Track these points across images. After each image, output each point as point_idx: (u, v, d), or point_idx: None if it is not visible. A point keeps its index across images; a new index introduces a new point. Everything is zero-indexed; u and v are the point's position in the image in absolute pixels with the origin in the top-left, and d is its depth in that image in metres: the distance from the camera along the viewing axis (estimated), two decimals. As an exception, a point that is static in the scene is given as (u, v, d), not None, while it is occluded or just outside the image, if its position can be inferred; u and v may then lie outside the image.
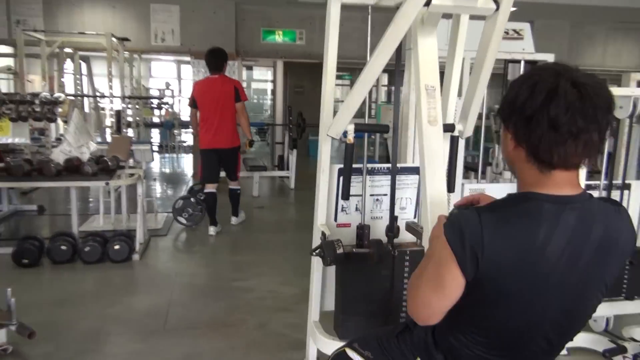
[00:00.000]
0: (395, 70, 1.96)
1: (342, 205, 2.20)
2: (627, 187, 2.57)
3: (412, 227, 1.94)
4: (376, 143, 8.06)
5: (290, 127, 7.26)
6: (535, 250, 1.01)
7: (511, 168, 1.15)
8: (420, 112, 1.68)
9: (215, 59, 4.60)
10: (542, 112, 0.97)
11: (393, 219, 2.06)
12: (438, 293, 1.08)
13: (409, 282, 1.20)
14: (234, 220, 5.07)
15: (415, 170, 2.24)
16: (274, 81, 10.13)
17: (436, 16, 1.64)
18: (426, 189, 1.66)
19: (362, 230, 2.05)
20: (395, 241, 2.06)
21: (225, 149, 4.66)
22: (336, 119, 1.83)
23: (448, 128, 1.88)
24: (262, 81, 13.83)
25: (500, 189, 2.63)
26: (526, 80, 1.03)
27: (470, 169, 4.39)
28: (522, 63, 2.73)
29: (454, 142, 1.95)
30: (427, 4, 1.48)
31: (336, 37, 1.82)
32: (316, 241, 2.10)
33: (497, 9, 1.51)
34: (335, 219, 2.21)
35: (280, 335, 2.78)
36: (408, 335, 1.33)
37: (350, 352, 1.41)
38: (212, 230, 4.68)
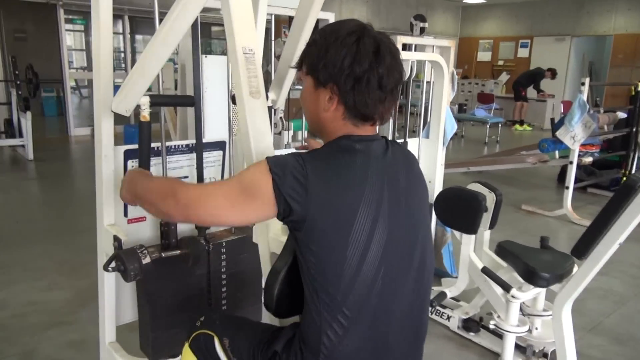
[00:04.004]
0: (194, 22, 1.56)
1: (134, 196, 1.74)
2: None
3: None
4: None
5: (18, 83, 5.84)
6: (358, 179, 1.03)
7: (317, 127, 1.14)
8: (240, 82, 1.36)
9: None
10: (371, 72, 1.01)
11: (202, 206, 1.73)
12: (245, 204, 1.01)
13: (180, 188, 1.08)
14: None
15: (219, 145, 1.92)
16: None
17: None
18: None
19: (168, 226, 1.66)
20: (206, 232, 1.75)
21: None
22: (125, 90, 1.36)
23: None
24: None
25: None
26: (345, 41, 1.02)
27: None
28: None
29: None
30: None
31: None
32: (103, 248, 1.62)
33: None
34: (126, 214, 1.75)
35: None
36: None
37: (218, 346, 1.23)
38: None
